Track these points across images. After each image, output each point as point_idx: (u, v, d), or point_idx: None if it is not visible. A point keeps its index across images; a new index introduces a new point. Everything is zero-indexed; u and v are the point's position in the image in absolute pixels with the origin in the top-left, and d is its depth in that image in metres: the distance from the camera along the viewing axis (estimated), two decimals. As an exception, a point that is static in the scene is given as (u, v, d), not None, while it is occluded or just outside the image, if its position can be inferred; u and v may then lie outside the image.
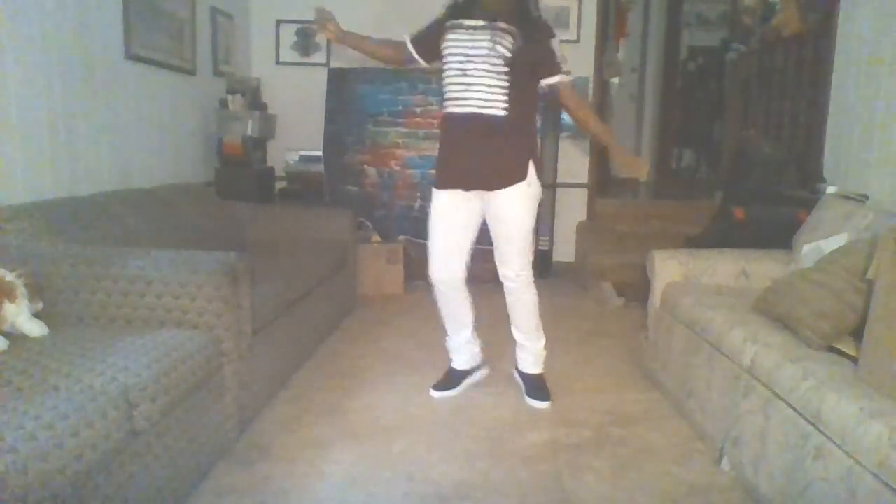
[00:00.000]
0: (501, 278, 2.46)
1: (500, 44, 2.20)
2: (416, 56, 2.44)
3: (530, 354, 2.58)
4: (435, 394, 2.57)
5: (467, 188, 2.35)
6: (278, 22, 4.75)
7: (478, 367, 2.68)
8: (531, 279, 2.47)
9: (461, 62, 2.24)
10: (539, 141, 2.43)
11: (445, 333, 2.64)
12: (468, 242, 2.44)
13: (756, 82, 4.81)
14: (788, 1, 4.28)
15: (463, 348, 2.62)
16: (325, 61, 4.76)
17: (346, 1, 4.69)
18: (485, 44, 2.21)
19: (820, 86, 3.54)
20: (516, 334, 2.58)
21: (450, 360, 2.66)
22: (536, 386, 2.56)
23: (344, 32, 2.42)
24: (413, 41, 2.45)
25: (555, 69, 2.32)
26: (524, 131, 2.35)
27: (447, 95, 2.32)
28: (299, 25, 4.75)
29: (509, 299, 2.51)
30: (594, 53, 4.82)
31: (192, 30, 3.74)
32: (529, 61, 2.25)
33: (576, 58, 4.71)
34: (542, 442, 2.22)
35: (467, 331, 2.60)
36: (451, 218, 2.40)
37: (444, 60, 2.30)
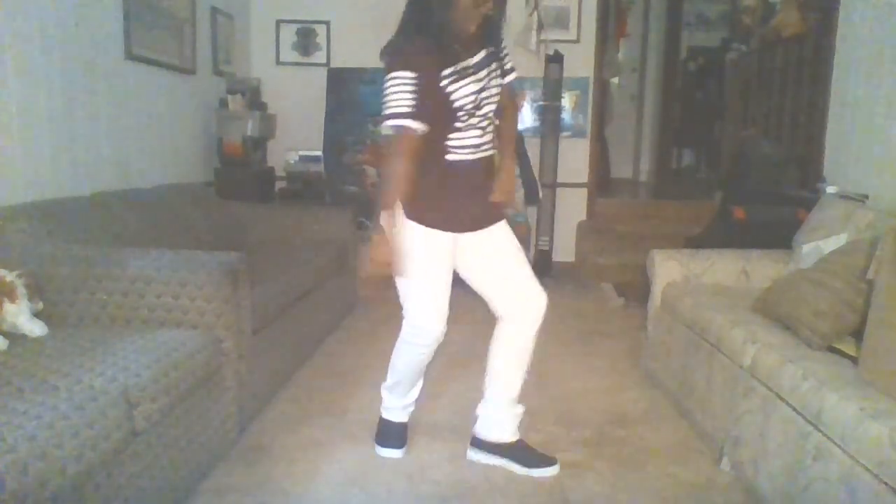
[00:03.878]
0: (516, 322, 2.03)
1: (498, 76, 1.95)
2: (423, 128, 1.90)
3: (512, 416, 2.11)
4: (385, 451, 2.15)
5: (466, 230, 2.00)
6: (278, 22, 4.75)
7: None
8: None
9: (474, 106, 1.89)
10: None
11: (387, 393, 2.20)
12: (449, 284, 2.04)
13: (756, 82, 4.81)
14: (788, 1, 4.28)
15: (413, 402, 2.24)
16: (325, 61, 4.75)
17: (345, 1, 4.74)
18: (493, 83, 1.92)
19: (820, 86, 3.55)
20: (505, 393, 2.09)
21: (390, 416, 2.19)
22: (528, 450, 2.10)
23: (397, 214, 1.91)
24: (416, 118, 1.86)
25: (509, 68, 2.02)
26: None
27: (456, 142, 1.92)
28: (299, 25, 4.75)
29: (514, 345, 2.05)
30: (594, 53, 4.82)
31: (192, 30, 3.74)
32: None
33: (576, 58, 4.72)
34: (542, 442, 2.22)
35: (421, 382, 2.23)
36: (446, 262, 2.00)
37: (453, 107, 1.88)
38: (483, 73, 1.90)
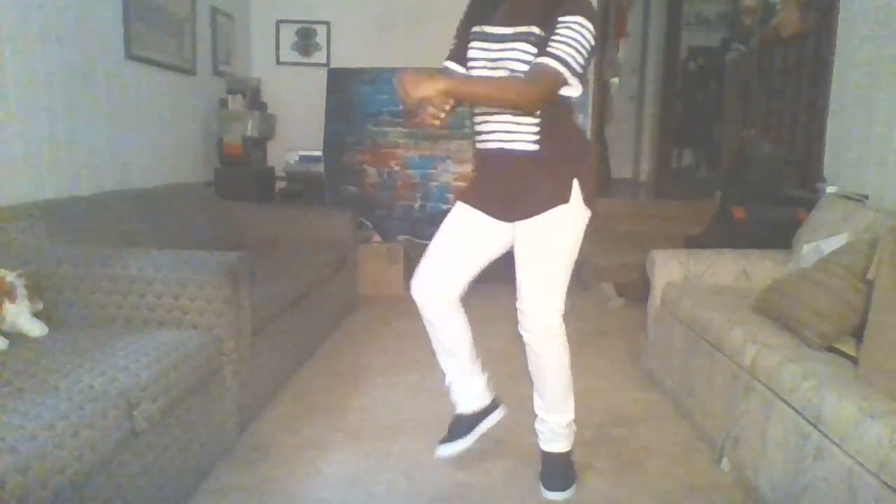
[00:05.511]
0: (519, 328, 1.86)
1: (518, 59, 1.72)
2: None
3: (547, 428, 1.96)
4: (442, 451, 2.04)
5: (494, 215, 1.89)
6: (278, 22, 4.75)
7: (490, 409, 2.10)
8: (559, 330, 1.83)
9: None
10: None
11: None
12: (471, 262, 1.93)
13: (756, 82, 4.81)
14: (788, 1, 4.28)
15: (462, 385, 2.08)
16: (325, 61, 4.76)
17: (345, 1, 4.74)
18: (506, 61, 1.74)
19: (820, 86, 3.54)
20: (535, 400, 1.99)
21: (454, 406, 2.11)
22: (550, 468, 1.95)
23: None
24: (452, 59, 1.89)
25: (543, 51, 1.69)
26: (564, 153, 1.81)
27: (477, 126, 1.87)
28: (299, 26, 4.75)
29: (529, 356, 1.89)
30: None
31: (192, 30, 3.74)
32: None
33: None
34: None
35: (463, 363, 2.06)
36: (456, 233, 1.94)
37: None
38: (497, 47, 1.76)
